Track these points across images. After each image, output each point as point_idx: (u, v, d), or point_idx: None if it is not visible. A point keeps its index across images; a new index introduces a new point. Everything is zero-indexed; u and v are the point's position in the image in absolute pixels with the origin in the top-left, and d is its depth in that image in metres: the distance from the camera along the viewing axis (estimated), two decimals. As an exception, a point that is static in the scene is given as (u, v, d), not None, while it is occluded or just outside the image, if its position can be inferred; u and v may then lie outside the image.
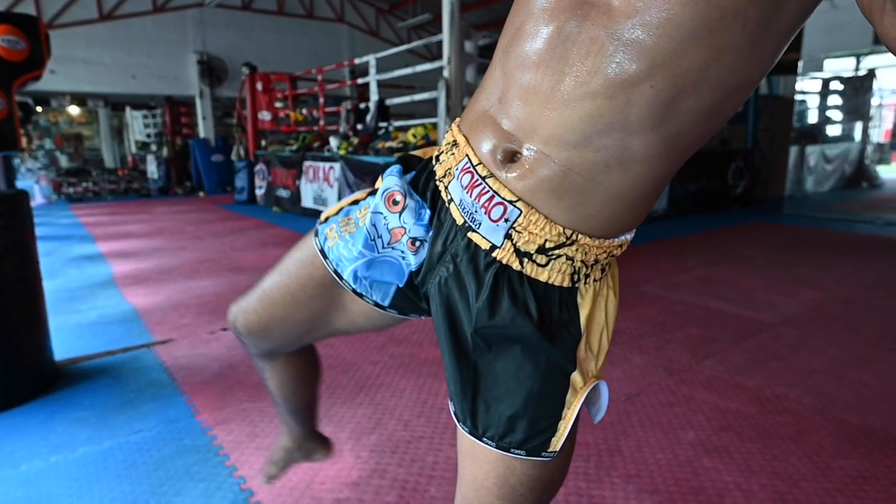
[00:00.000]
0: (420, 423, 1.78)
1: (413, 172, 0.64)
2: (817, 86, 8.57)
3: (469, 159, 0.55)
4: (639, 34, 0.43)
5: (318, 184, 6.24)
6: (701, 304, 2.98)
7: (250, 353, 0.87)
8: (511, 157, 0.52)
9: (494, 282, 0.55)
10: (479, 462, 0.60)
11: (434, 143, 4.84)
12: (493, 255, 0.54)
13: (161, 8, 9.32)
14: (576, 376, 0.57)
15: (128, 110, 10.55)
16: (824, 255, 4.13)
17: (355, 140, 6.07)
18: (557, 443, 0.57)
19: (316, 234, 0.71)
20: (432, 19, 9.51)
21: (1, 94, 1.83)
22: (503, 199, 0.52)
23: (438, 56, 5.24)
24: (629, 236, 0.57)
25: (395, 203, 0.62)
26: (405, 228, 0.61)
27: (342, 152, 5.94)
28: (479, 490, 0.60)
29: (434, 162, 0.63)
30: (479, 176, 0.54)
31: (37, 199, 8.37)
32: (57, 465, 1.57)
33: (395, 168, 0.65)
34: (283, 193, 7.11)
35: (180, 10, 9.50)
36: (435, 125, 4.78)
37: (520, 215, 0.52)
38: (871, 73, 8.36)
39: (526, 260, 0.53)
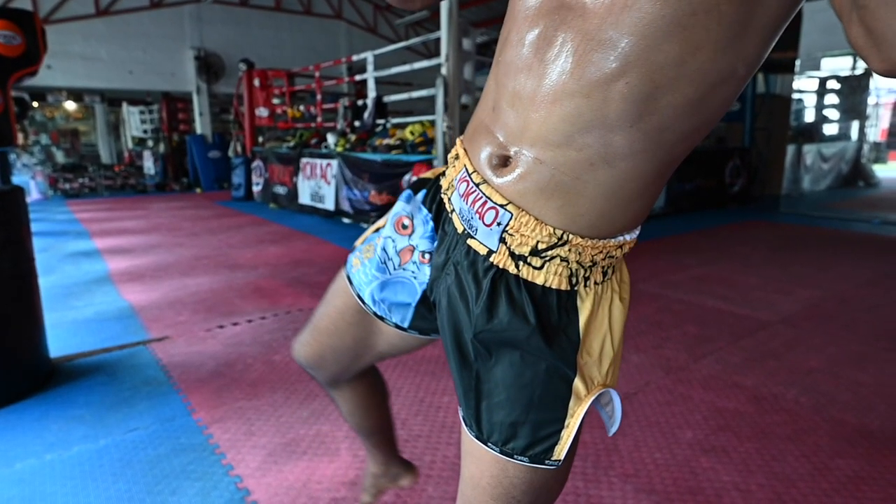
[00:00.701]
0: (417, 421, 1.78)
1: (424, 191, 0.68)
2: (814, 84, 8.59)
3: (466, 169, 0.57)
4: (611, 33, 0.44)
5: (316, 181, 6.22)
6: (698, 302, 2.98)
7: (320, 383, 0.92)
8: (503, 163, 0.54)
9: (492, 286, 0.56)
10: (476, 461, 0.61)
11: (431, 141, 4.83)
12: (491, 259, 0.56)
13: (158, 3, 9.26)
14: (578, 384, 0.56)
15: (124, 106, 10.49)
16: (821, 254, 4.14)
17: (353, 137, 6.05)
18: (561, 451, 0.57)
19: (346, 263, 0.78)
20: (430, 16, 9.47)
21: (-5, 89, 1.82)
22: (495, 203, 0.54)
23: (436, 53, 5.22)
24: (629, 237, 0.56)
25: (405, 227, 0.67)
26: (414, 246, 0.66)
27: (339, 149, 5.92)
28: (475, 488, 0.61)
29: (441, 177, 0.67)
30: (474, 183, 0.56)
31: (33, 195, 8.32)
32: (52, 464, 1.56)
33: (405, 193, 0.70)
34: (280, 190, 7.08)
35: (177, 6, 9.43)
36: (433, 122, 4.76)
37: (511, 218, 0.53)
38: (868, 72, 8.38)
39: (521, 263, 0.54)
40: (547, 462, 0.57)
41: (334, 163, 5.81)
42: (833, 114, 8.82)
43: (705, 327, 2.61)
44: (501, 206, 0.53)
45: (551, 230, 0.52)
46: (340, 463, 1.56)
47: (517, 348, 0.56)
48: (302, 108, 7.34)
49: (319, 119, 6.98)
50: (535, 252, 0.53)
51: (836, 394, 1.94)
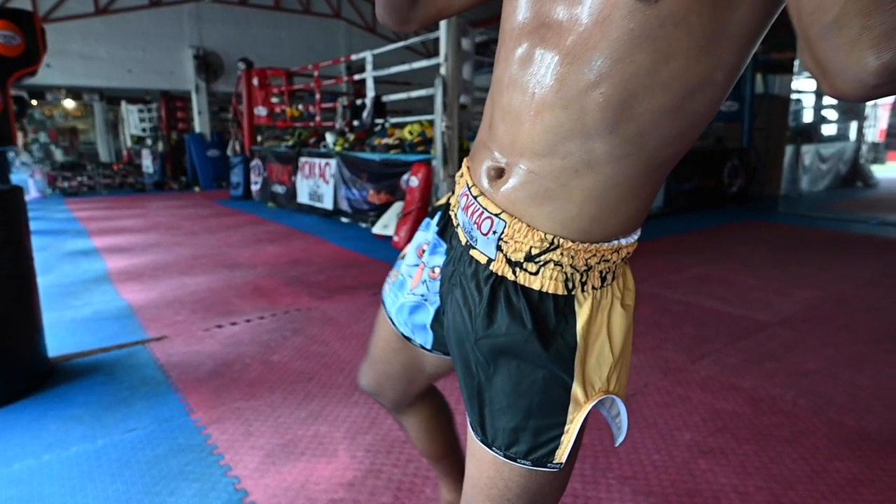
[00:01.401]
0: (416, 422, 1.78)
1: (439, 214, 0.73)
2: (813, 85, 8.60)
3: (467, 184, 0.61)
4: (584, 47, 0.47)
5: (314, 180, 6.21)
6: (696, 303, 2.99)
7: (387, 410, 0.95)
8: (498, 175, 0.57)
9: (492, 293, 0.58)
10: (478, 462, 0.63)
11: (430, 141, 4.83)
12: (490, 268, 0.58)
13: (157, 2, 9.24)
14: (577, 390, 0.57)
15: (123, 104, 10.47)
16: (819, 255, 4.15)
17: (351, 136, 6.04)
18: (563, 454, 0.58)
19: (382, 291, 0.84)
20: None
21: (-6, 89, 1.81)
22: (490, 213, 0.57)
23: (435, 53, 5.21)
24: (625, 241, 0.57)
25: (423, 252, 0.73)
26: (425, 264, 0.70)
27: (338, 148, 5.92)
28: (473, 487, 0.63)
29: (451, 195, 0.72)
30: (473, 196, 0.59)
31: (31, 194, 8.30)
32: (50, 464, 1.56)
33: (424, 221, 0.75)
34: (279, 189, 7.08)
35: (176, 5, 9.41)
36: (431, 122, 4.76)
37: (505, 226, 0.56)
38: (868, 74, 8.39)
39: (518, 269, 0.56)
40: (549, 465, 0.59)
41: (333, 162, 5.81)
42: (831, 114, 8.83)
43: (703, 328, 2.62)
44: (496, 215, 0.56)
45: (542, 235, 0.54)
46: (338, 464, 1.56)
47: (516, 357, 0.57)
48: (301, 107, 7.34)
49: (318, 118, 6.97)
50: (529, 258, 0.55)
51: (835, 396, 1.94)
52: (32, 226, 2.14)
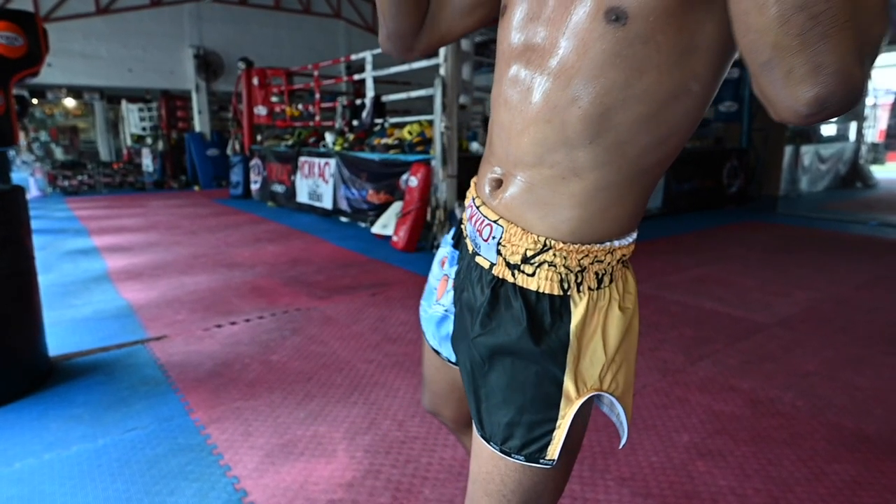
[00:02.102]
0: (414, 423, 1.78)
1: (455, 227, 0.78)
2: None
3: (472, 197, 0.67)
4: (562, 67, 0.53)
5: (314, 179, 6.21)
6: (695, 304, 2.99)
7: (451, 431, 0.97)
8: (497, 186, 0.63)
9: (492, 293, 0.62)
10: (477, 457, 0.65)
11: (429, 141, 4.83)
12: (493, 271, 0.63)
13: (158, 2, 9.23)
14: (569, 386, 0.59)
15: (124, 103, 10.46)
16: (818, 256, 4.15)
17: (351, 136, 6.04)
18: (554, 451, 0.60)
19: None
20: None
21: (-3, 89, 1.82)
22: (489, 220, 0.62)
23: (435, 53, 5.21)
24: (618, 243, 0.60)
25: (445, 263, 0.76)
26: (447, 275, 0.74)
27: (338, 148, 5.92)
28: (473, 482, 0.66)
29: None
30: (476, 207, 0.65)
31: (32, 192, 8.30)
32: (51, 463, 1.57)
33: (446, 237, 0.79)
34: (279, 189, 7.08)
35: (177, 4, 9.41)
36: (431, 122, 4.76)
37: (503, 231, 0.61)
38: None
39: (517, 271, 0.60)
40: (541, 461, 0.60)
41: (332, 162, 5.81)
42: (832, 115, 8.83)
43: (702, 329, 2.62)
44: (494, 221, 0.62)
45: (535, 237, 0.58)
46: (338, 464, 1.56)
47: (511, 353, 0.60)
48: (300, 106, 7.34)
49: (318, 118, 6.97)
50: (525, 260, 0.59)
51: (833, 397, 1.94)
52: (33, 224, 2.15)
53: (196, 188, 9.43)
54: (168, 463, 1.57)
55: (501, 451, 0.61)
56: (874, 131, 10.37)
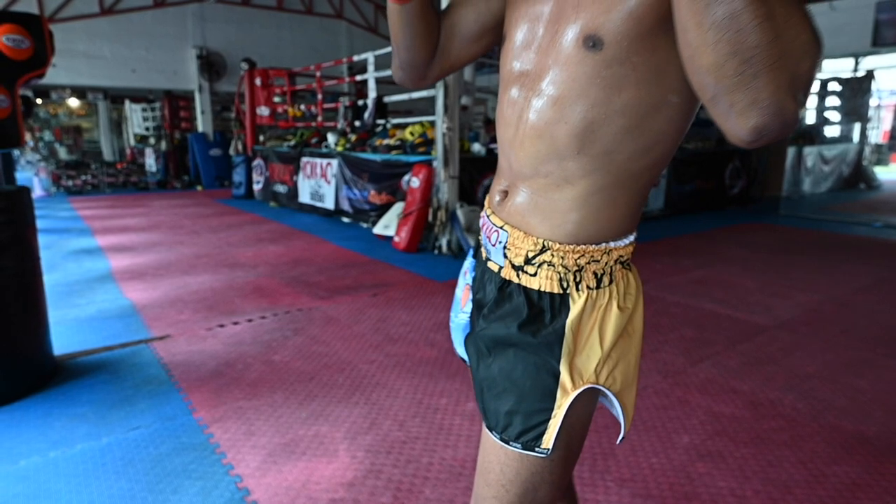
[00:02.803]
0: (415, 423, 1.79)
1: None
2: (815, 86, 8.57)
3: (485, 210, 0.74)
4: (550, 88, 0.60)
5: (316, 180, 6.23)
6: (696, 305, 2.99)
7: None
8: (504, 196, 0.69)
9: (499, 292, 0.69)
10: (482, 446, 0.69)
11: (431, 142, 4.84)
12: (501, 274, 0.69)
13: (161, 2, 9.27)
14: (565, 378, 0.63)
15: (127, 103, 10.50)
16: (820, 258, 4.15)
17: (353, 137, 6.06)
18: (549, 440, 0.63)
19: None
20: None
21: (5, 91, 1.83)
22: (496, 226, 0.69)
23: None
24: (613, 244, 0.64)
25: (467, 273, 0.81)
26: (469, 284, 0.78)
27: (340, 149, 5.93)
28: (478, 473, 0.70)
29: None
30: (486, 217, 0.72)
31: (36, 192, 8.33)
32: (56, 461, 1.58)
33: (470, 250, 0.84)
34: (281, 189, 7.10)
35: (180, 5, 9.44)
36: (433, 123, 4.77)
37: (508, 236, 0.67)
38: (870, 75, 8.37)
39: (521, 272, 0.66)
40: (537, 449, 0.64)
41: (334, 162, 5.82)
42: (834, 116, 8.81)
43: (703, 331, 2.62)
44: (500, 227, 0.68)
45: (535, 239, 0.65)
46: (339, 464, 1.58)
47: (513, 345, 0.66)
48: (303, 107, 7.35)
49: (320, 118, 6.99)
50: (528, 261, 0.65)
51: (834, 400, 1.95)
52: (37, 224, 2.16)
53: (199, 188, 9.46)
54: (171, 462, 1.58)
55: (501, 440, 0.65)
56: (878, 132, 10.33)
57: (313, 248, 4.60)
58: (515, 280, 0.66)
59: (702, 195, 6.55)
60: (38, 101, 10.28)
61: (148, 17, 9.20)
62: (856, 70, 8.47)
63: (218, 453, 1.62)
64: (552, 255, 0.63)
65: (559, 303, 0.64)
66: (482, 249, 0.75)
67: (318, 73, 6.89)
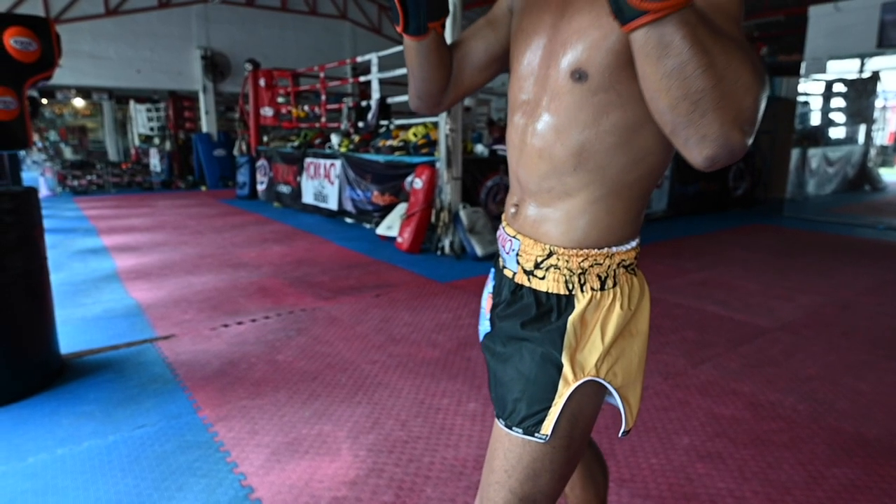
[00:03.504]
0: (417, 423, 1.81)
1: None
2: (820, 88, 8.54)
3: (502, 223, 0.81)
4: (547, 115, 0.69)
5: (319, 180, 6.25)
6: (698, 307, 3.00)
7: None
8: (516, 210, 0.77)
9: (512, 295, 0.76)
10: (492, 436, 0.74)
11: (434, 143, 4.86)
12: (515, 279, 0.76)
13: (166, 3, 9.32)
14: (567, 370, 0.68)
15: (132, 104, 10.56)
16: (823, 260, 4.14)
17: (356, 138, 6.08)
18: (548, 426, 0.68)
19: None
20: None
21: (13, 94, 1.86)
22: (509, 236, 0.76)
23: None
24: (615, 248, 0.70)
25: (488, 285, 0.87)
26: (491, 293, 0.84)
27: (343, 149, 5.96)
28: (487, 461, 0.75)
29: None
30: (502, 228, 0.80)
31: (42, 192, 8.39)
32: (63, 458, 1.61)
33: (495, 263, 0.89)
34: (284, 189, 7.13)
35: (185, 6, 9.49)
36: (436, 124, 4.79)
37: (520, 244, 0.74)
38: (876, 76, 8.33)
39: (531, 276, 0.73)
40: (536, 435, 0.69)
41: (338, 163, 5.85)
42: (839, 117, 8.77)
43: (704, 333, 2.63)
44: (513, 237, 0.76)
45: (543, 245, 0.71)
46: (342, 463, 1.59)
47: (523, 339, 0.72)
48: (306, 108, 7.39)
49: (323, 119, 7.02)
50: (537, 265, 0.72)
51: (835, 402, 1.95)
52: (43, 224, 2.19)
53: (203, 188, 9.51)
54: (176, 459, 1.60)
55: (506, 426, 0.71)
56: (883, 134, 10.28)
57: (317, 248, 4.62)
58: (526, 284, 0.73)
59: (705, 197, 6.54)
60: (44, 101, 10.35)
61: (153, 18, 9.25)
62: (861, 71, 8.43)
63: (222, 451, 1.64)
64: (558, 258, 0.70)
65: (565, 303, 0.70)
66: (499, 259, 0.82)
67: (321, 74, 6.92)
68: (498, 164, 4.71)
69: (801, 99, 7.98)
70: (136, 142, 10.86)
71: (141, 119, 10.38)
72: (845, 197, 8.19)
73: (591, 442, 1.01)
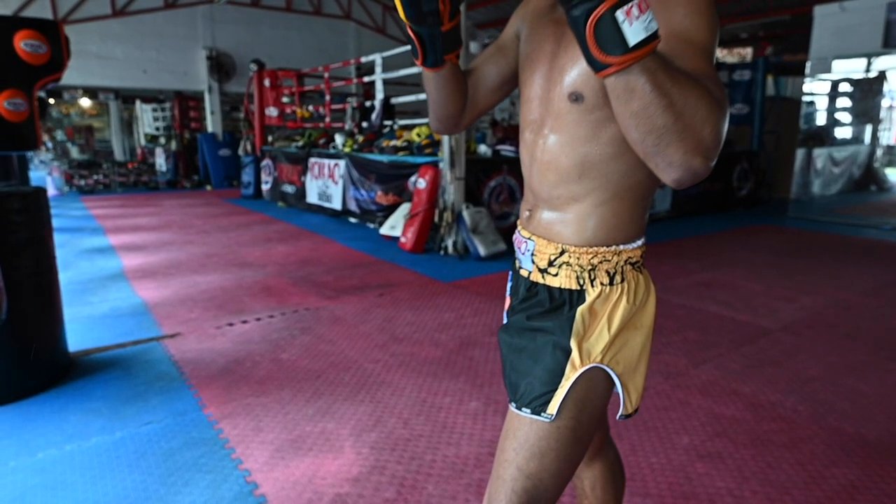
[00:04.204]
0: (419, 421, 1.83)
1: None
2: (826, 87, 8.50)
3: (517, 227, 0.89)
4: (551, 132, 0.78)
5: (323, 180, 6.29)
6: (701, 308, 3.00)
7: None
8: (530, 215, 0.85)
9: (528, 292, 0.83)
10: (506, 420, 0.80)
11: (438, 143, 4.87)
12: (530, 278, 0.83)
13: (172, 4, 9.38)
14: (575, 356, 0.75)
15: (138, 103, 10.64)
16: (828, 260, 4.13)
17: (360, 138, 6.10)
18: (554, 406, 0.74)
19: None
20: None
21: (23, 96, 1.89)
22: (524, 238, 0.84)
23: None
24: (622, 246, 0.77)
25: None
26: (510, 296, 0.91)
27: (347, 149, 5.98)
28: (499, 444, 0.80)
29: None
30: (518, 232, 0.87)
31: (49, 191, 8.46)
32: (72, 454, 1.64)
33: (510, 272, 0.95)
34: (289, 189, 7.16)
35: (191, 6, 9.54)
36: (441, 124, 4.80)
37: (534, 245, 0.82)
38: (882, 75, 8.28)
39: (545, 274, 0.80)
40: (542, 414, 0.74)
41: (342, 163, 5.88)
42: (845, 117, 8.73)
43: (706, 333, 2.64)
44: (528, 238, 0.83)
45: (555, 245, 0.79)
46: (344, 460, 1.62)
47: (536, 330, 0.79)
48: (311, 108, 7.42)
49: (328, 119, 7.04)
50: (550, 263, 0.79)
51: (835, 403, 1.96)
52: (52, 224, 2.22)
53: (208, 188, 9.57)
54: (182, 455, 1.63)
55: (516, 407, 0.77)
56: (890, 134, 10.21)
57: (321, 248, 4.65)
58: (541, 281, 0.81)
59: (709, 197, 6.52)
60: (51, 101, 10.44)
61: (159, 19, 9.31)
62: (868, 71, 8.38)
63: (227, 448, 1.67)
64: (570, 256, 0.77)
65: (577, 297, 0.77)
66: (515, 261, 0.89)
67: (326, 75, 6.95)
68: (501, 164, 4.72)
69: (806, 99, 7.94)
70: (142, 141, 10.94)
71: (147, 119, 10.45)
72: (851, 197, 8.15)
73: (613, 446, 1.06)
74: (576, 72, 0.72)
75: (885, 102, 8.96)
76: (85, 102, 11.17)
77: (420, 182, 4.51)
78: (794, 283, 3.49)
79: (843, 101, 8.58)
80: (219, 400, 1.97)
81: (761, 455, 1.64)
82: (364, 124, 6.12)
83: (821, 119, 8.67)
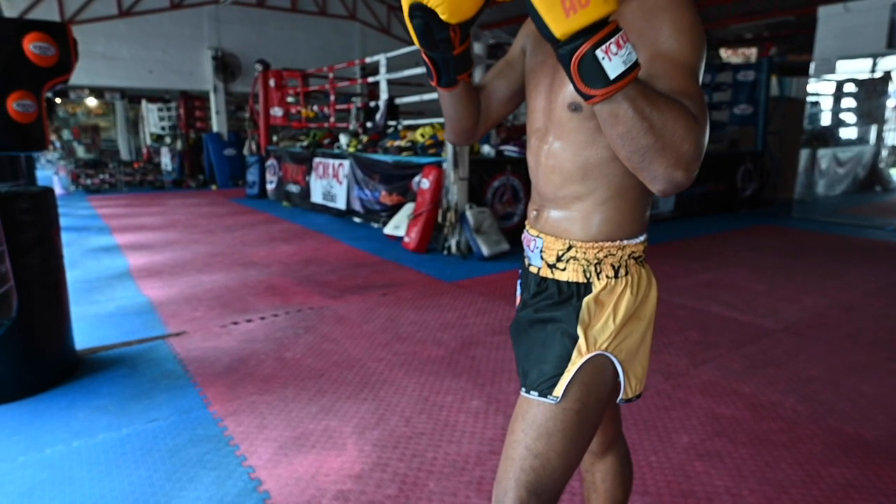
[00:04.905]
0: (421, 419, 1.85)
1: None
2: (830, 88, 8.46)
3: (525, 227, 0.94)
4: (554, 139, 0.84)
5: (328, 180, 6.32)
6: (702, 308, 3.01)
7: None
8: (538, 215, 0.90)
9: (537, 287, 0.89)
10: (516, 406, 0.84)
11: (441, 143, 4.89)
12: (539, 274, 0.89)
13: (178, 4, 9.44)
14: (582, 343, 0.80)
15: (144, 103, 10.70)
16: (830, 261, 4.13)
17: (365, 138, 6.13)
18: (559, 389, 0.79)
19: None
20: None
21: (31, 97, 1.92)
22: (532, 236, 0.90)
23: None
24: (626, 241, 0.83)
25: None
26: (520, 294, 0.96)
27: (352, 149, 6.01)
28: (509, 426, 0.84)
29: None
30: (526, 231, 0.93)
31: (56, 190, 8.53)
32: (79, 450, 1.67)
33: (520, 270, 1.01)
34: (294, 189, 7.20)
35: (196, 7, 9.60)
36: (443, 124, 4.81)
37: (543, 242, 0.87)
38: (887, 76, 8.23)
39: (554, 269, 0.86)
40: (549, 396, 0.79)
41: (346, 163, 5.90)
42: (850, 118, 8.69)
43: (708, 333, 2.64)
44: (536, 236, 0.89)
45: (563, 241, 0.84)
46: (347, 457, 1.64)
47: (546, 321, 0.85)
48: (315, 108, 7.45)
49: (332, 119, 7.08)
50: (558, 259, 0.85)
51: (835, 403, 1.96)
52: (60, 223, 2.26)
53: (213, 187, 9.62)
54: (188, 452, 1.66)
55: (526, 391, 0.81)
56: (894, 134, 10.15)
57: (325, 247, 4.68)
58: (550, 276, 0.86)
59: (713, 197, 6.51)
60: (58, 100, 10.52)
61: (165, 19, 9.37)
62: (872, 71, 8.34)
63: (232, 445, 1.70)
64: (577, 251, 0.83)
65: (584, 289, 0.83)
66: (525, 259, 0.94)
67: (330, 75, 6.98)
68: (504, 164, 4.74)
69: (810, 99, 7.91)
70: (148, 141, 11.00)
71: (153, 118, 10.51)
72: (855, 198, 8.11)
73: (625, 442, 1.09)
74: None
75: (889, 103, 8.91)
76: (91, 102, 11.24)
77: (424, 182, 4.53)
78: (797, 284, 3.49)
79: (848, 102, 8.54)
80: (223, 398, 2.00)
81: (760, 454, 1.65)
82: (368, 124, 6.15)
83: (825, 119, 8.63)
